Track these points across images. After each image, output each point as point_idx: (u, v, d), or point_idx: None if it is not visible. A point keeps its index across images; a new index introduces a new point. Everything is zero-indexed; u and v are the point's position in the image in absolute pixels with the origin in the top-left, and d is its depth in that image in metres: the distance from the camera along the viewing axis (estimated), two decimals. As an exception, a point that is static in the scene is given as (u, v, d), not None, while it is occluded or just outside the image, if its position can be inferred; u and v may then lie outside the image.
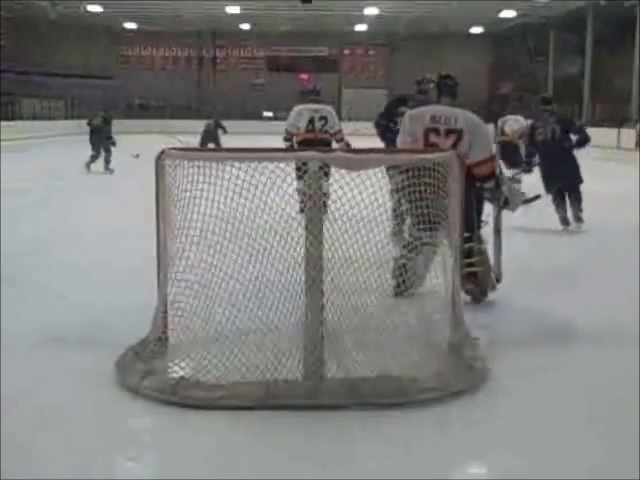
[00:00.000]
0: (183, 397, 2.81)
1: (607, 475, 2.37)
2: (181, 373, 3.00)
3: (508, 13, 29.24)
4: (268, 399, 2.80)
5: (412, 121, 4.18)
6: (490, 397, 2.96)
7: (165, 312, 3.25)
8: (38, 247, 5.96)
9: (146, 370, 3.02)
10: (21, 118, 28.88)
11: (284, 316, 3.07)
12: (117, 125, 15.92)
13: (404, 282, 3.41)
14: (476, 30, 34.16)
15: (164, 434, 2.69)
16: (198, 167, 3.03)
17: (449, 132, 4.06)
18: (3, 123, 23.64)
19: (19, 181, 10.83)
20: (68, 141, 23.22)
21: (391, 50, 36.48)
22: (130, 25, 34.50)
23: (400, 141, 4.22)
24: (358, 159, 2.99)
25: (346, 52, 37.29)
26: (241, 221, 3.05)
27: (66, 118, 31.59)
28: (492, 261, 4.31)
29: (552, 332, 3.82)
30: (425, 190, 3.24)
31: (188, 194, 3.06)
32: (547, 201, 8.52)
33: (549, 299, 4.36)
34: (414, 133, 4.12)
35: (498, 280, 4.22)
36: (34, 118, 29.89)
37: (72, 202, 9.08)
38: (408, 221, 3.73)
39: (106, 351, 3.25)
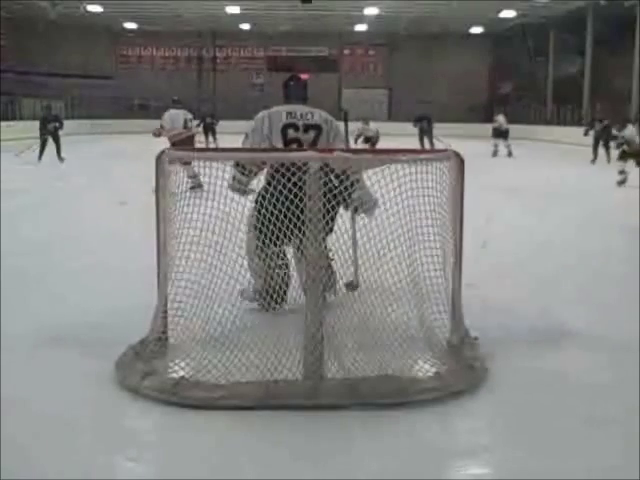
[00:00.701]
0: (183, 397, 2.81)
1: (607, 475, 2.37)
2: (181, 373, 3.00)
3: (508, 13, 29.21)
4: (268, 399, 2.80)
5: (269, 120, 4.02)
6: (490, 397, 2.96)
7: (165, 312, 3.25)
8: (38, 247, 5.95)
9: (146, 370, 3.02)
10: (21, 118, 28.86)
11: (284, 316, 3.07)
12: (117, 125, 16.04)
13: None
14: (476, 30, 34.12)
15: (164, 434, 2.69)
16: (198, 167, 3.03)
17: (308, 127, 3.98)
18: (3, 123, 23.62)
19: (19, 181, 10.83)
20: (68, 141, 23.21)
21: (391, 50, 36.45)
22: (130, 25, 34.47)
23: (248, 142, 4.01)
24: (358, 159, 2.99)
25: (346, 52, 37.26)
26: (241, 221, 3.06)
27: (66, 118, 31.56)
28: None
29: (551, 332, 3.82)
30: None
31: (188, 194, 3.07)
32: (550, 200, 8.54)
33: (548, 299, 4.36)
34: (270, 134, 3.96)
35: (355, 286, 3.81)
36: (34, 118, 29.85)
37: (72, 202, 9.08)
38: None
39: (106, 351, 3.25)
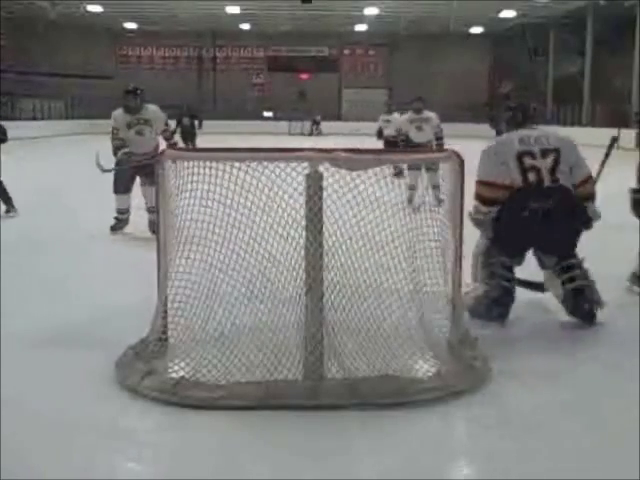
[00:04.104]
0: (183, 397, 2.81)
1: (607, 476, 2.37)
2: (181, 373, 3.00)
3: (508, 13, 29.24)
4: (268, 399, 2.80)
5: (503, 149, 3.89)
6: (490, 397, 2.96)
7: (165, 312, 3.25)
8: (38, 247, 5.95)
9: (146, 370, 3.02)
10: (20, 118, 28.88)
11: (284, 316, 3.07)
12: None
13: None
14: (476, 30, 34.15)
15: (164, 434, 2.69)
16: (198, 167, 3.03)
17: (545, 152, 3.83)
18: (3, 123, 23.61)
19: (19, 181, 10.80)
20: (68, 141, 23.24)
21: (391, 50, 36.49)
22: (130, 25, 34.50)
23: (491, 174, 3.85)
24: (358, 159, 2.99)
25: (346, 52, 37.29)
26: (241, 221, 3.05)
27: (66, 118, 31.61)
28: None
29: (552, 331, 3.82)
30: None
31: (188, 194, 3.06)
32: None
33: (548, 299, 4.36)
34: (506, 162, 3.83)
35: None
36: (34, 118, 29.89)
37: (71, 202, 9.07)
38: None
39: (106, 351, 3.25)
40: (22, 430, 2.61)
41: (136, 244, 6.07)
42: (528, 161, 3.79)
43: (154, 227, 5.83)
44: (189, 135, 15.69)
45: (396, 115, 12.28)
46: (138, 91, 6.56)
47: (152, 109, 6.66)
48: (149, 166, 6.17)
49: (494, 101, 34.81)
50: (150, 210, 6.29)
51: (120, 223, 6.68)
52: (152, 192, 5.95)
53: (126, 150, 6.42)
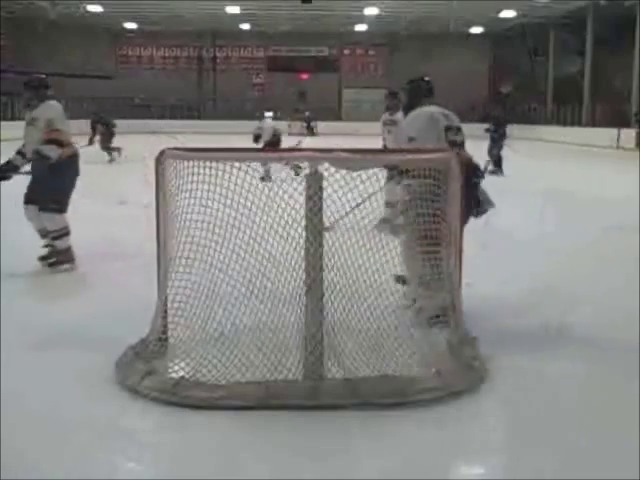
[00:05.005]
0: (183, 397, 2.81)
1: (607, 475, 2.37)
2: (181, 373, 3.00)
3: (508, 13, 29.23)
4: (268, 399, 2.80)
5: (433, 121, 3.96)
6: (490, 397, 2.96)
7: (165, 312, 3.25)
8: (38, 247, 5.95)
9: (146, 370, 3.02)
10: (20, 118, 28.88)
11: (284, 316, 3.07)
12: (117, 125, 16.08)
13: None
14: (476, 30, 34.14)
15: (164, 434, 2.69)
16: (198, 167, 3.03)
17: (458, 129, 3.99)
18: (3, 123, 23.64)
19: (18, 181, 10.79)
20: (68, 141, 23.17)
21: (391, 50, 36.48)
22: (130, 25, 34.49)
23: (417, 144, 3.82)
24: (358, 159, 2.99)
25: (346, 52, 37.29)
26: (241, 221, 3.05)
27: (66, 118, 31.58)
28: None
29: (552, 331, 3.82)
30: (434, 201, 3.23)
31: (188, 194, 3.06)
32: (549, 200, 8.54)
33: (548, 299, 4.36)
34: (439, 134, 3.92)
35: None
36: (34, 118, 29.85)
37: (71, 201, 9.06)
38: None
39: (106, 351, 3.25)
40: (21, 430, 2.61)
41: (136, 244, 6.07)
42: (450, 135, 3.92)
43: (55, 257, 4.97)
44: (108, 140, 15.72)
45: (268, 121, 12.36)
46: (47, 83, 5.21)
47: (45, 106, 5.35)
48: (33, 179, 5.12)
49: (495, 101, 34.86)
50: (42, 235, 5.24)
51: (55, 254, 5.09)
52: (40, 215, 5.08)
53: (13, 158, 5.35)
